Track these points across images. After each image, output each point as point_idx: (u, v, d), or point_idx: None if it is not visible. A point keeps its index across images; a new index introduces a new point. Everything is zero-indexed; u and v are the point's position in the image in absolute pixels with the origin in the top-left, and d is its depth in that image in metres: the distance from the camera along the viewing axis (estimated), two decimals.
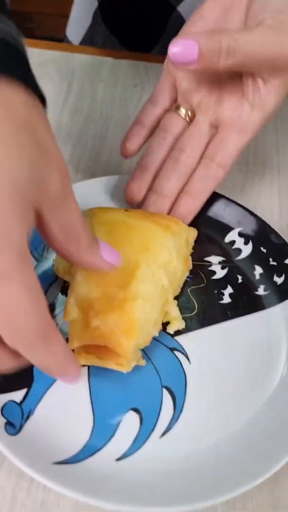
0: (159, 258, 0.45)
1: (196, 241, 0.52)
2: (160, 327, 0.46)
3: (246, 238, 0.54)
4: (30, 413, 0.41)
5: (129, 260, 0.43)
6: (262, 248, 0.53)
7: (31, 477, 0.39)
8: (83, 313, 0.42)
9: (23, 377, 0.43)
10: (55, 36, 0.89)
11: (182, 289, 0.50)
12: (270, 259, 0.52)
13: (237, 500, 0.40)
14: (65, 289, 0.49)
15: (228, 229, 0.54)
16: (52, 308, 0.48)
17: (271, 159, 0.65)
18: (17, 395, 0.42)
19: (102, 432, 0.41)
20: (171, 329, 0.47)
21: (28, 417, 0.41)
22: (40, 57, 0.73)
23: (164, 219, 0.49)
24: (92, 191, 0.56)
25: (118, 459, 0.40)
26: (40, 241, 0.51)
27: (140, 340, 0.43)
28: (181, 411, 0.43)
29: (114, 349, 0.42)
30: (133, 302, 0.42)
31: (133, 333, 0.41)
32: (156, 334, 0.45)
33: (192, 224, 0.52)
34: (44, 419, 0.41)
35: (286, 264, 0.51)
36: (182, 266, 0.47)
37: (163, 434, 0.42)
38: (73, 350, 0.44)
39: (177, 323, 0.47)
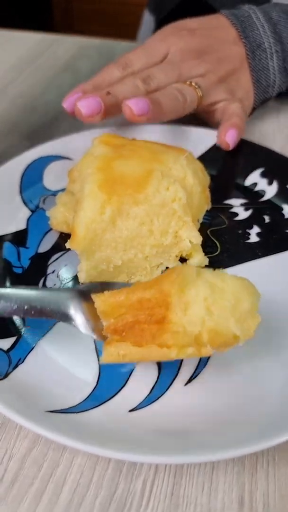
0: (173, 172, 0.38)
1: (212, 186, 0.45)
2: None
3: (270, 178, 0.47)
4: (19, 361, 0.33)
5: (141, 168, 0.36)
6: None
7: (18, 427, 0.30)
8: None
9: (12, 326, 0.35)
10: None
11: (200, 230, 0.42)
12: None
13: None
14: (61, 238, 0.42)
15: (248, 170, 0.47)
16: (47, 257, 0.41)
17: None
18: (4, 343, 0.34)
19: (110, 381, 0.32)
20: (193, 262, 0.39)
21: (16, 366, 0.33)
22: None
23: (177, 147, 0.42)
24: None
25: (131, 410, 0.31)
26: (36, 193, 0.46)
27: None
28: None
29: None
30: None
31: None
32: None
33: (206, 168, 0.45)
34: (38, 368, 0.33)
35: None
36: (200, 188, 0.40)
37: (189, 380, 0.33)
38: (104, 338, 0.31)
39: (198, 257, 0.39)
